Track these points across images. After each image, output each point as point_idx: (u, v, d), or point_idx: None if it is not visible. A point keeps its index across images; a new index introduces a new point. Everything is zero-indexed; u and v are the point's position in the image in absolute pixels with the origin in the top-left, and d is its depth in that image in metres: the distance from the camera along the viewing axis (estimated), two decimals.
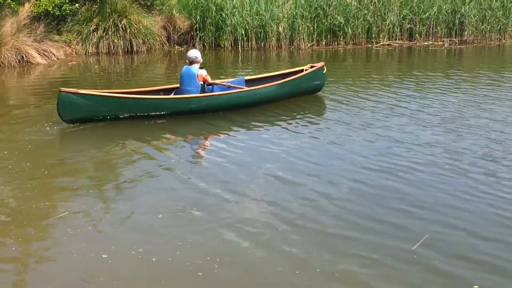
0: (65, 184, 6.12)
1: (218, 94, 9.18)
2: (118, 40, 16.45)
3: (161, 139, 7.97)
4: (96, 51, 16.32)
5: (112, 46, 16.44)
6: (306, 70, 10.26)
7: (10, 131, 8.21)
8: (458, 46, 19.20)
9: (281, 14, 18.03)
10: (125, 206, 5.48)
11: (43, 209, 5.35)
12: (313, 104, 10.08)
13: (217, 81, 9.74)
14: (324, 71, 10.40)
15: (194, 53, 9.20)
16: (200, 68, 9.16)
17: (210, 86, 9.39)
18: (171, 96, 9.12)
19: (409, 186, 5.89)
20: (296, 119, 9.02)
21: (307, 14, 18.12)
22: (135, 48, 16.74)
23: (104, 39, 16.37)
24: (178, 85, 9.38)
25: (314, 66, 10.31)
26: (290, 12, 18.27)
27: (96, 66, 14.75)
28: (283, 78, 10.05)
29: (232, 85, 9.57)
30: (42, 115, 9.00)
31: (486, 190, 5.76)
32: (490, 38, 20.65)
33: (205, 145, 7.93)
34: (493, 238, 4.76)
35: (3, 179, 6.14)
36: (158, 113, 8.76)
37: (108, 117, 8.56)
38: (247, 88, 9.48)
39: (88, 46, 16.23)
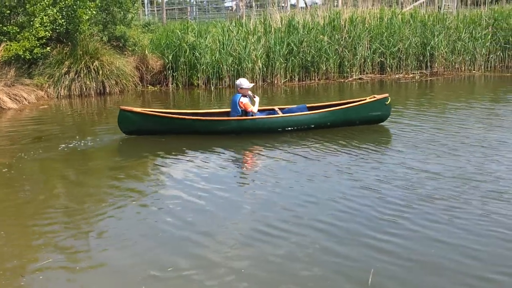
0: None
1: (251, 118, 10.08)
2: (90, 82, 16.41)
3: (183, 157, 8.76)
4: (68, 93, 16.24)
5: (84, 88, 16.39)
6: (363, 100, 10.57)
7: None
8: (429, 78, 19.49)
9: (254, 52, 18.15)
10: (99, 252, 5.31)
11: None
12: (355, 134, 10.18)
13: (275, 107, 10.80)
14: (387, 102, 10.53)
15: (239, 82, 10.30)
16: (244, 96, 10.19)
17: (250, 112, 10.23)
18: (204, 117, 10.18)
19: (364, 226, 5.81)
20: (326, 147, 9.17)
21: (281, 50, 18.29)
22: (107, 89, 16.74)
23: (76, 81, 16.33)
24: None
25: (374, 97, 10.54)
26: (263, 49, 18.42)
27: (68, 109, 14.61)
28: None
29: (277, 109, 10.66)
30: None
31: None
32: (460, 69, 21.04)
33: (236, 167, 8.45)
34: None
35: None
36: (195, 131, 10.01)
37: (158, 132, 10.04)
38: (282, 115, 10.31)
39: (60, 88, 16.15)
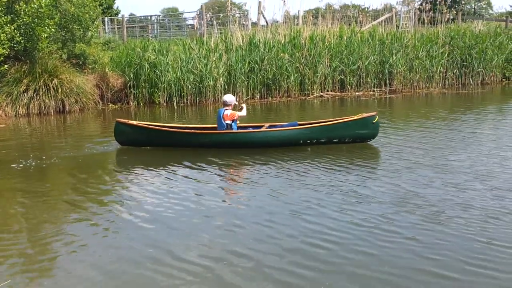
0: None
1: (225, 133, 10.30)
2: (49, 100, 16.22)
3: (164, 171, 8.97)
4: (26, 112, 16.02)
5: (43, 107, 16.19)
6: (347, 118, 10.65)
7: None
8: (388, 96, 19.82)
9: (215, 70, 18.20)
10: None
11: None
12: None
13: (265, 124, 11.02)
14: (375, 121, 10.54)
15: (225, 97, 10.62)
16: (227, 109, 10.41)
17: (232, 124, 10.46)
18: (188, 130, 10.61)
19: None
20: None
21: (242, 68, 18.39)
22: (67, 107, 16.57)
23: (35, 99, 16.13)
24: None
25: (362, 115, 10.58)
26: (225, 67, 18.48)
27: (27, 127, 14.34)
28: None
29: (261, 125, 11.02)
30: None
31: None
32: (418, 86, 21.46)
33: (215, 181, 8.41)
34: None
35: None
36: (185, 144, 10.40)
37: (150, 144, 10.58)
38: (266, 130, 10.54)
39: (18, 107, 15.92)
